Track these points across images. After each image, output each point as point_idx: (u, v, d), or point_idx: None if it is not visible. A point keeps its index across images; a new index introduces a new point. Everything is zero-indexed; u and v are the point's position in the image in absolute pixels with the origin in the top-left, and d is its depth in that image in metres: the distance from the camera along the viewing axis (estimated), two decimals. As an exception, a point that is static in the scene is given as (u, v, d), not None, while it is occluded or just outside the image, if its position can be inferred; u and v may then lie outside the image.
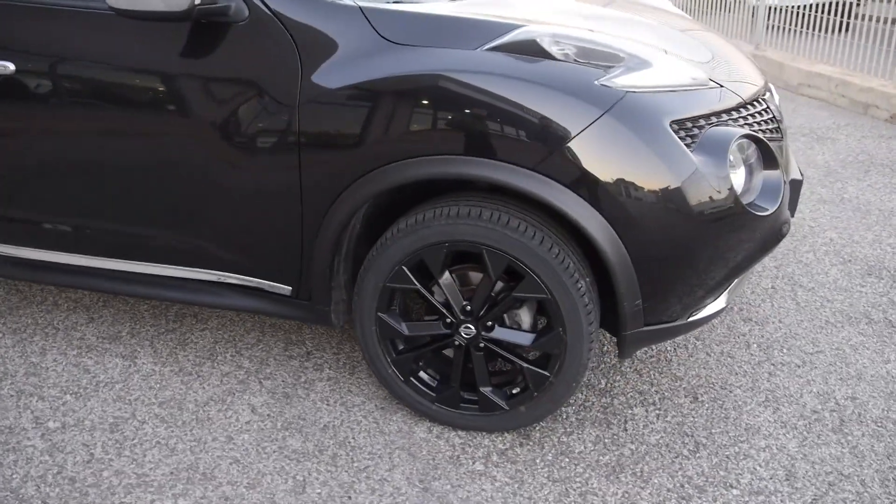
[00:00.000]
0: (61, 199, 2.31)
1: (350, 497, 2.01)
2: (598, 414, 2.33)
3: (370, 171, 1.99)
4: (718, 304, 2.19)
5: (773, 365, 2.57)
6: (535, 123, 1.87)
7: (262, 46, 2.01)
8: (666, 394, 2.42)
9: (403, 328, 2.16)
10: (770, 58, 6.26)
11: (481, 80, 1.89)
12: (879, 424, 2.29)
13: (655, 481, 2.07)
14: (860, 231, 3.58)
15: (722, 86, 2.10)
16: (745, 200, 2.02)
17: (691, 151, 1.91)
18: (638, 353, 2.62)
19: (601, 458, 2.15)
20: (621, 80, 1.90)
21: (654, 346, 2.65)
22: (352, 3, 2.01)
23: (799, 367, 2.56)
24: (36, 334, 2.72)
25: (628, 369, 2.54)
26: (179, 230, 2.24)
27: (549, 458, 2.15)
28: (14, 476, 2.07)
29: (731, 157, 1.97)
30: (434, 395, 2.21)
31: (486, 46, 1.94)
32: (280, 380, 2.48)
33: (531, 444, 2.20)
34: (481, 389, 2.16)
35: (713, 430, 2.26)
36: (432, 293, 2.11)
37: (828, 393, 2.43)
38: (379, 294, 2.12)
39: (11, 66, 2.15)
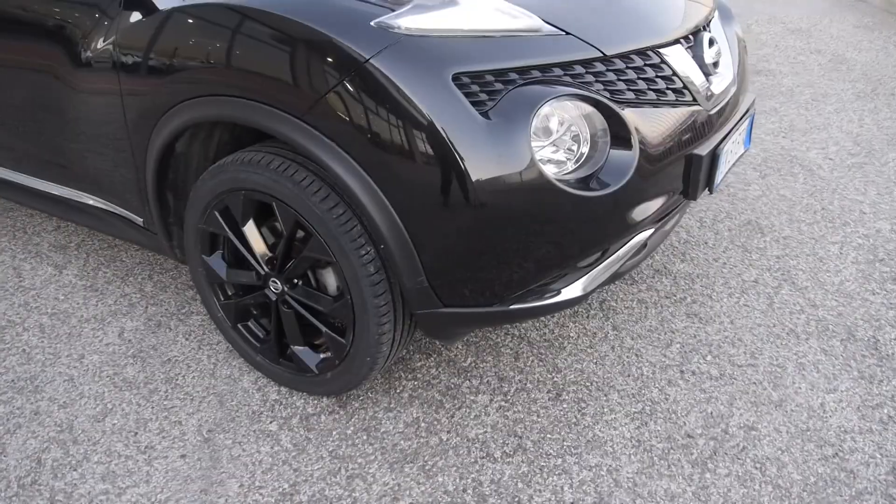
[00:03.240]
0: None
1: (136, 434, 2.01)
2: (436, 394, 2.11)
3: (171, 108, 1.90)
4: (569, 292, 1.86)
5: (681, 372, 2.17)
6: (305, 67, 1.66)
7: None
8: (528, 385, 2.14)
9: (223, 274, 2.08)
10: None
11: (260, 14, 1.71)
12: (758, 466, 1.86)
13: (439, 480, 1.85)
14: (925, 225, 2.87)
15: (569, 33, 1.72)
16: (569, 176, 1.67)
17: (489, 109, 1.59)
18: (533, 334, 2.33)
19: (402, 442, 1.96)
20: (404, 21, 1.62)
21: (551, 328, 2.34)
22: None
23: (712, 379, 2.14)
24: (6, 235, 2.98)
25: (508, 350, 2.27)
26: (42, 148, 2.30)
27: (349, 432, 2.00)
28: None
29: (539, 121, 1.63)
30: (259, 345, 2.13)
31: None
32: (164, 308, 2.52)
33: (342, 413, 2.05)
34: (293, 348, 2.04)
35: (548, 436, 1.96)
36: (245, 241, 2.00)
37: (723, 416, 2.01)
38: (199, 236, 2.06)
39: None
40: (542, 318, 2.38)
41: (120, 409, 2.10)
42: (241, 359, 2.25)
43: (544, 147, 1.64)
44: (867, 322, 2.35)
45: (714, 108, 1.96)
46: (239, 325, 2.15)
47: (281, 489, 1.83)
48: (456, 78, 1.59)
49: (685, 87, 1.87)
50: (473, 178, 1.60)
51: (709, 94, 1.94)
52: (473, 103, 1.59)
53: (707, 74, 1.97)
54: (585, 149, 1.69)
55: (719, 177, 2.01)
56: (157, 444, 1.98)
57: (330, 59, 1.63)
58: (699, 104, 1.90)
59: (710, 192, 2.00)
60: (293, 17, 1.66)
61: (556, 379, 2.16)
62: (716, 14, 2.19)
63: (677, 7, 2.01)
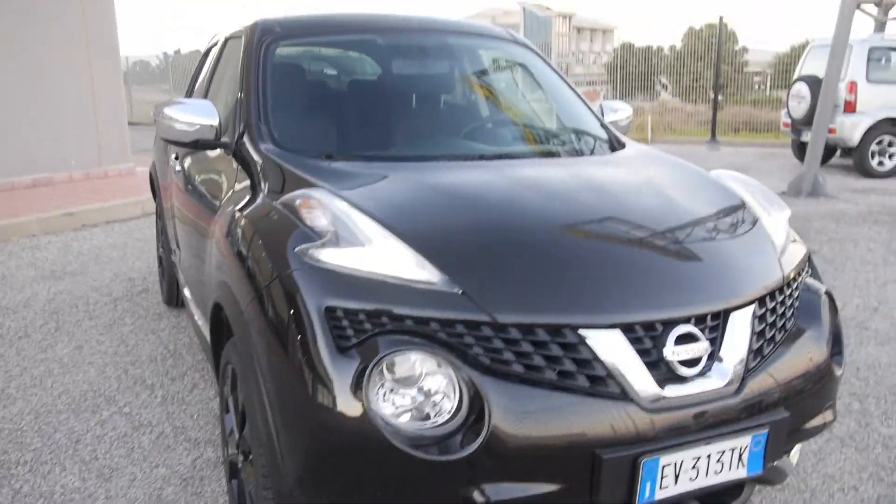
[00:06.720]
0: None
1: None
2: None
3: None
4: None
5: None
6: (252, 272, 2.01)
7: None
8: None
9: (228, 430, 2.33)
10: None
11: (256, 227, 2.16)
12: None
13: None
14: None
15: (464, 293, 1.72)
16: (433, 431, 1.64)
17: (349, 347, 1.68)
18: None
19: None
20: (318, 252, 1.83)
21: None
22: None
23: None
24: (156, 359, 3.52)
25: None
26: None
27: None
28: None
29: (385, 369, 1.65)
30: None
31: (280, 200, 2.11)
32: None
33: None
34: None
35: None
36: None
37: None
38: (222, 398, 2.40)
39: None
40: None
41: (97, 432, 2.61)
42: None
43: (390, 396, 1.65)
44: None
45: (662, 410, 1.70)
46: (232, 481, 2.35)
47: None
48: (331, 310, 1.72)
49: (611, 376, 1.67)
50: (317, 411, 1.67)
51: (654, 394, 1.69)
52: (339, 337, 1.69)
53: (667, 372, 1.73)
54: (444, 407, 1.65)
55: (653, 493, 1.69)
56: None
57: (263, 271, 1.95)
58: (633, 401, 1.68)
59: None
60: (257, 228, 2.12)
61: None
62: (750, 305, 1.87)
63: (649, 288, 1.82)
